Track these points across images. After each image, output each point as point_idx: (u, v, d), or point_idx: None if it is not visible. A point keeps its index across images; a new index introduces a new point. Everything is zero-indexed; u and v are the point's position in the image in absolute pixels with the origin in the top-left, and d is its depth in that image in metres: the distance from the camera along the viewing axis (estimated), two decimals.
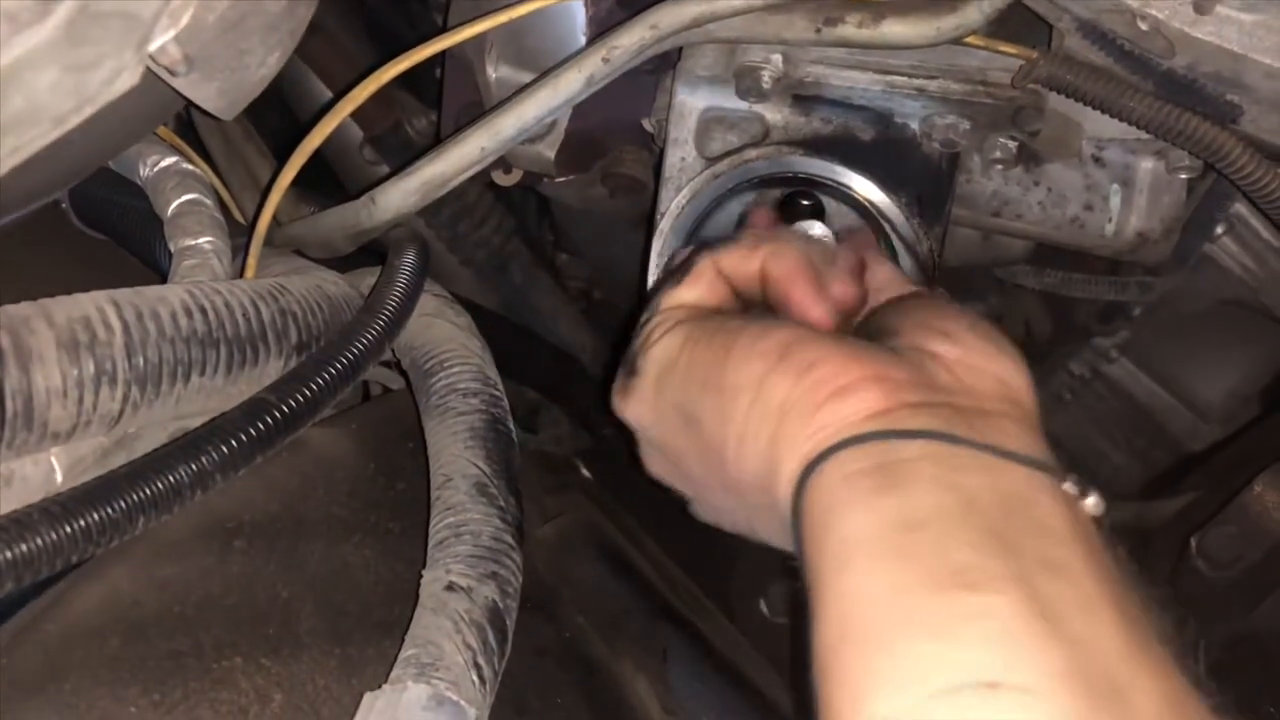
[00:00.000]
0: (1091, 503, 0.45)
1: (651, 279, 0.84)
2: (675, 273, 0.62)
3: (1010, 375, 0.51)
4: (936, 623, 0.40)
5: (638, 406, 0.60)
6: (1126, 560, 0.44)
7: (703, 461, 0.56)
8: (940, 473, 0.44)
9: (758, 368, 0.51)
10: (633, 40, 0.75)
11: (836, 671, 0.41)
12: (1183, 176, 0.84)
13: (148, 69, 0.55)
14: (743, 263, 0.60)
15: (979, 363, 0.50)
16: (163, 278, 0.83)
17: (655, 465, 0.64)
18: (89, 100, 0.51)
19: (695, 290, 0.60)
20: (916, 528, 0.42)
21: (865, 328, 0.58)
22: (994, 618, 0.39)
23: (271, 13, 0.63)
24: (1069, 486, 0.45)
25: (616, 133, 0.94)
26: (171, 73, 0.57)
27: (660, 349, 0.58)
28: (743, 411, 0.51)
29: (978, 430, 0.46)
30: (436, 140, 1.03)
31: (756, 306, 0.61)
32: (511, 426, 0.77)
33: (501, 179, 0.95)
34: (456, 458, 0.72)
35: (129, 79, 0.52)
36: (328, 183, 1.14)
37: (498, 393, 0.78)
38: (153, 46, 0.53)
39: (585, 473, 1.12)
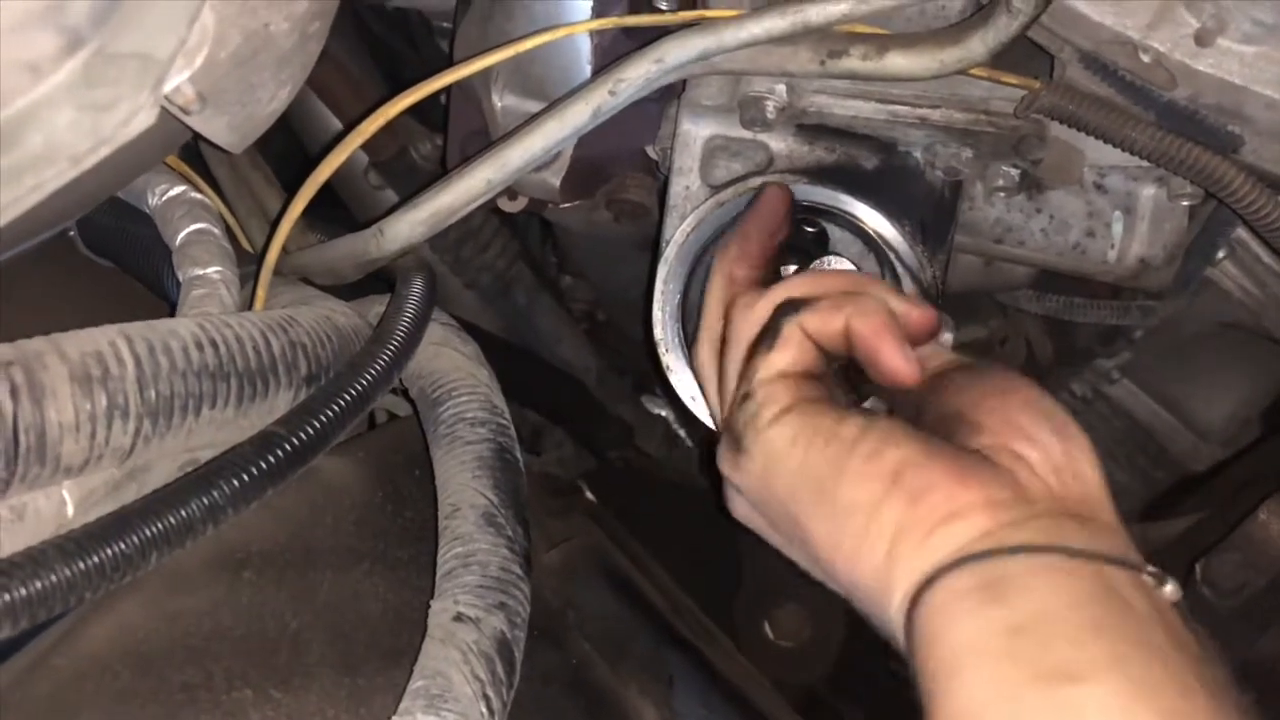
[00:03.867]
0: (1169, 590, 0.49)
1: (657, 308, 0.85)
2: (764, 338, 0.64)
3: (1086, 473, 0.55)
4: (1041, 715, 0.45)
5: (744, 480, 0.62)
6: (1206, 639, 0.49)
7: (809, 559, 0.59)
8: (1039, 580, 0.49)
9: (873, 491, 0.54)
10: (639, 73, 0.75)
11: None
12: (1184, 203, 0.85)
13: (162, 108, 0.56)
14: (827, 323, 0.62)
15: (1061, 464, 0.54)
16: (170, 306, 0.83)
17: (749, 519, 0.66)
18: (106, 140, 0.52)
19: (787, 357, 0.62)
20: (1021, 632, 0.47)
21: (945, 404, 0.59)
22: (1092, 704, 0.44)
23: (283, 49, 0.64)
24: (1147, 577, 0.50)
25: (621, 160, 0.94)
26: (185, 111, 0.57)
27: (770, 438, 0.60)
28: (856, 532, 0.54)
29: (1068, 535, 0.51)
30: (442, 166, 1.04)
31: (843, 363, 0.64)
32: (519, 456, 0.77)
33: (507, 205, 0.95)
34: (464, 487, 0.73)
35: (145, 119, 0.53)
36: (332, 204, 1.15)
37: (505, 421, 0.78)
38: (168, 87, 0.54)
39: (589, 495, 1.12)
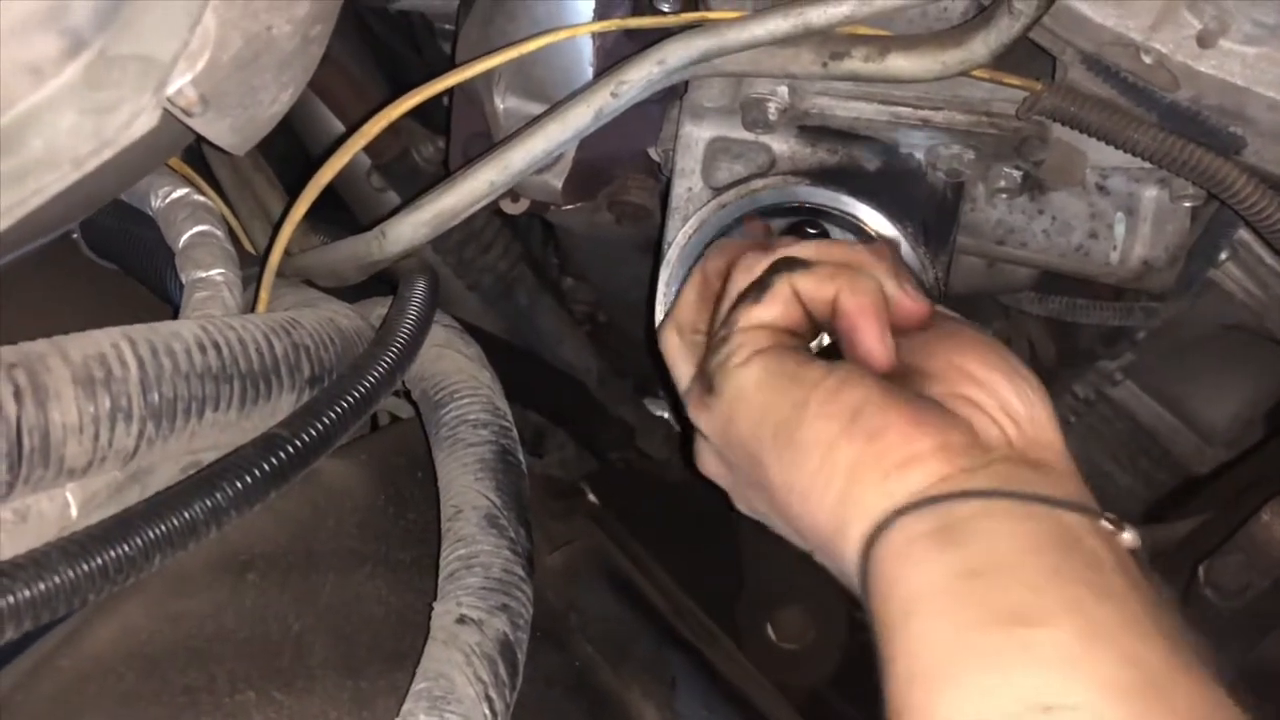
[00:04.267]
0: (1128, 537, 0.50)
1: (660, 310, 0.85)
2: (753, 289, 0.64)
3: (1041, 418, 0.55)
4: (996, 656, 0.45)
5: (711, 423, 0.62)
6: (1163, 587, 0.47)
7: (767, 500, 0.60)
8: (995, 525, 0.49)
9: (829, 428, 0.54)
10: (641, 75, 0.75)
11: (907, 711, 0.46)
12: (1186, 205, 0.85)
13: (165, 110, 0.56)
14: (819, 288, 0.62)
15: (1015, 409, 0.55)
16: (174, 308, 0.83)
17: (714, 471, 0.66)
18: (108, 143, 0.52)
19: (771, 311, 0.62)
20: (976, 575, 0.47)
21: (899, 359, 0.60)
22: (1048, 646, 0.44)
23: (285, 51, 0.64)
24: (1105, 523, 0.50)
25: (622, 161, 0.94)
26: (187, 114, 0.57)
27: (738, 377, 0.60)
28: (811, 470, 0.54)
29: (1024, 481, 0.51)
30: (444, 167, 1.04)
31: (826, 329, 0.64)
32: (521, 458, 0.77)
33: (509, 207, 0.95)
34: (467, 489, 0.73)
35: (147, 121, 0.53)
36: (334, 206, 1.15)
37: (507, 424, 0.78)
38: (170, 89, 0.54)
39: (592, 498, 1.13)
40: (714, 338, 0.64)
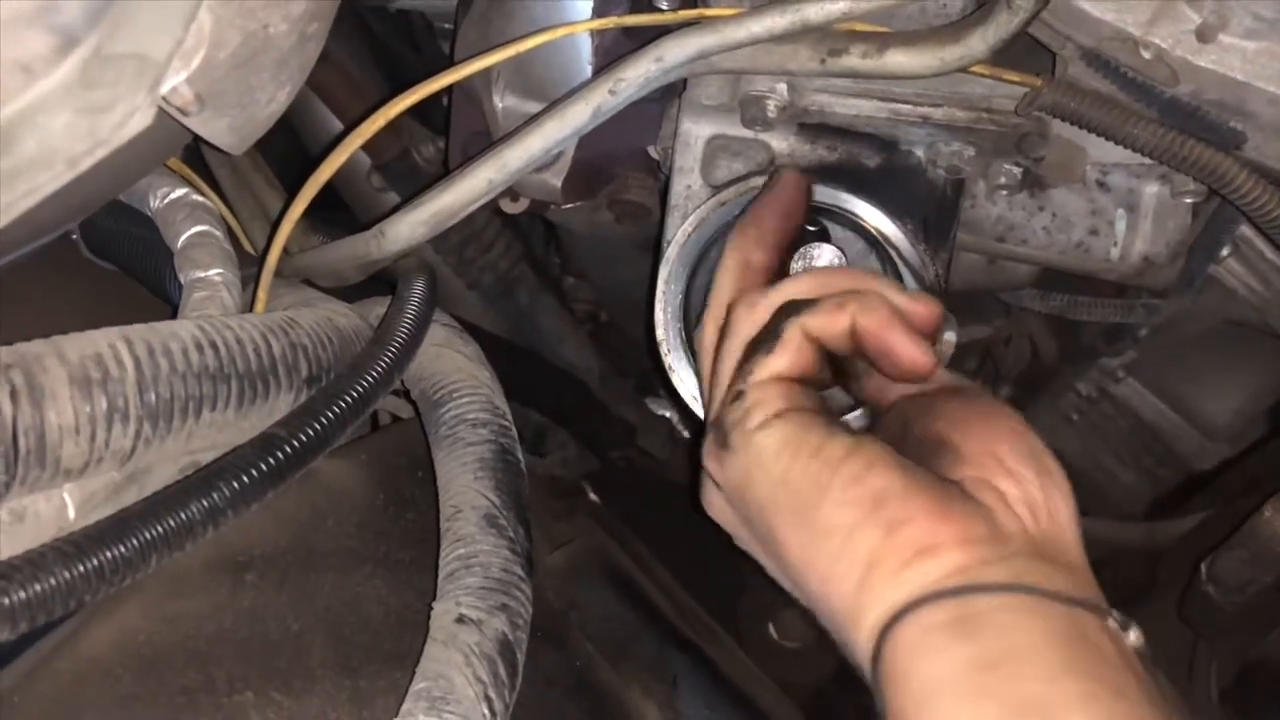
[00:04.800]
0: (1134, 636, 0.51)
1: (659, 308, 0.84)
2: (763, 338, 0.63)
3: (1060, 511, 0.56)
4: None
5: (725, 477, 0.62)
6: (1170, 686, 0.50)
7: (780, 572, 0.60)
8: (1010, 619, 0.49)
9: (852, 516, 0.54)
10: (639, 72, 0.75)
11: None
12: (1187, 201, 0.84)
13: (160, 109, 0.56)
14: (831, 323, 0.62)
15: (1036, 501, 0.55)
16: (172, 308, 0.83)
17: (721, 517, 0.66)
18: (102, 142, 0.52)
19: (784, 360, 0.62)
20: (992, 667, 0.48)
21: (929, 427, 0.60)
22: None
23: (282, 49, 0.64)
24: (1112, 623, 0.51)
25: (622, 160, 0.94)
26: (183, 112, 0.57)
27: (756, 442, 0.60)
28: (830, 554, 0.54)
29: (1040, 576, 0.52)
30: (444, 168, 1.04)
31: (846, 372, 0.65)
32: (520, 457, 0.77)
33: (509, 206, 0.95)
34: (466, 489, 0.73)
35: (142, 120, 0.53)
36: (334, 206, 1.15)
37: (506, 423, 0.78)
38: (165, 88, 0.54)
39: (593, 497, 1.12)
40: (728, 388, 0.64)
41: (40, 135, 0.51)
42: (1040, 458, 0.57)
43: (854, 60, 0.74)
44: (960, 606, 0.50)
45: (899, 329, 0.61)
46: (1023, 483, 0.55)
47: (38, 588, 0.51)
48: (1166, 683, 0.49)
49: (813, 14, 0.72)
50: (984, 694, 0.47)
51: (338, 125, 1.13)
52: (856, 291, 0.63)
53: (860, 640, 0.52)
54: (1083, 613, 0.50)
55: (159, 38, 0.52)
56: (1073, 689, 0.46)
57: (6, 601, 0.49)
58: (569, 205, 0.95)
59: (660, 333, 0.85)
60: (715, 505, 0.66)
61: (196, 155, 1.08)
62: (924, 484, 0.55)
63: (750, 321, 0.65)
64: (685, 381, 0.84)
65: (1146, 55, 0.71)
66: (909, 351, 0.60)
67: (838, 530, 0.54)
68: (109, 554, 0.54)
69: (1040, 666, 0.47)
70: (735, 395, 0.62)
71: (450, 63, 0.85)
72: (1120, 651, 0.49)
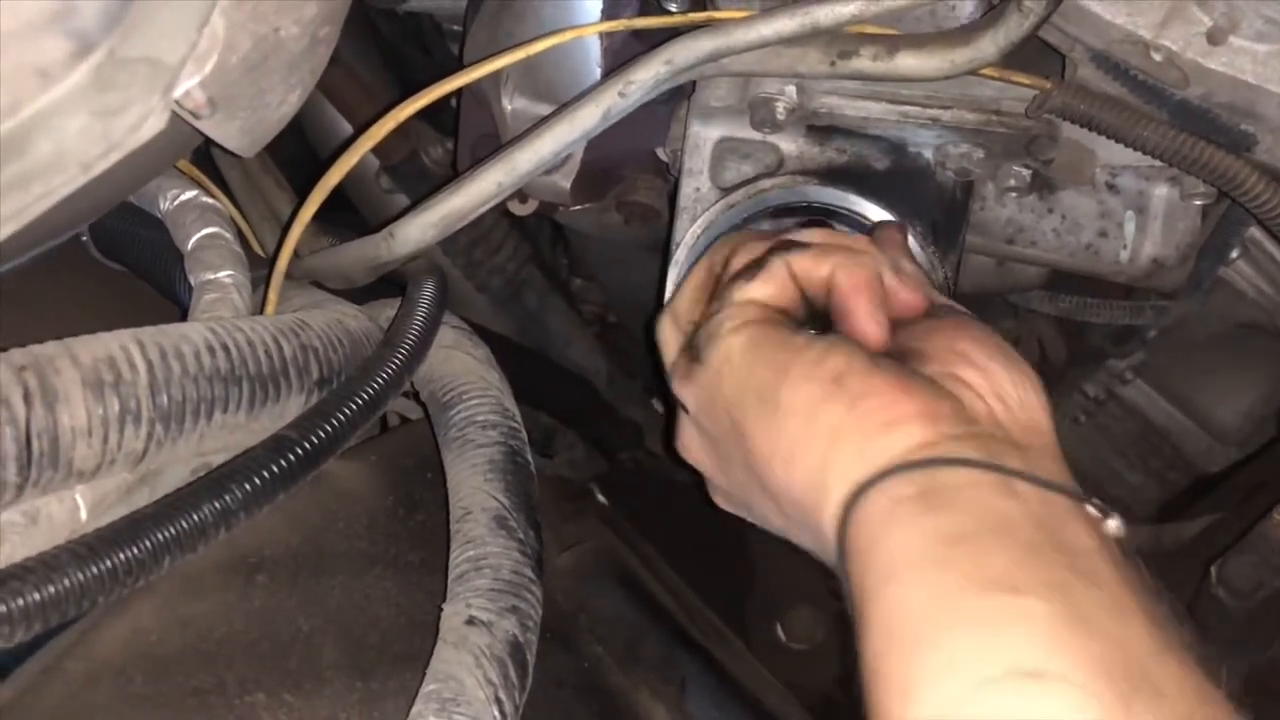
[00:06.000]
0: (1113, 525, 0.48)
1: None
2: (749, 268, 0.64)
3: (1033, 403, 0.54)
4: (979, 621, 0.43)
5: (695, 393, 0.62)
6: (1149, 576, 0.47)
7: (745, 468, 0.58)
8: (979, 495, 0.47)
9: (812, 392, 0.54)
10: (648, 75, 0.75)
11: (884, 674, 0.44)
12: (1197, 203, 0.84)
13: (173, 112, 0.56)
14: (814, 268, 0.62)
15: (1007, 392, 0.54)
16: (182, 309, 0.83)
17: (693, 450, 0.66)
18: (116, 146, 0.52)
19: (767, 289, 0.62)
20: (958, 542, 0.45)
21: (896, 342, 0.60)
22: (1033, 617, 0.42)
23: (293, 52, 0.64)
24: (1091, 510, 0.48)
25: (631, 162, 0.94)
26: (196, 116, 0.57)
27: (725, 345, 0.60)
28: (793, 433, 0.53)
29: (1010, 458, 0.49)
30: (453, 169, 1.04)
31: (821, 314, 0.64)
32: (530, 458, 0.77)
33: (517, 208, 0.95)
34: (476, 490, 0.73)
35: (156, 124, 0.53)
36: (342, 208, 1.15)
37: (516, 424, 0.78)
38: (178, 91, 0.54)
39: (601, 499, 1.12)
40: (707, 316, 0.64)
41: (55, 138, 0.51)
42: (1008, 354, 0.56)
43: (864, 63, 0.74)
44: (927, 479, 0.48)
45: (866, 296, 0.60)
46: (991, 375, 0.54)
47: (52, 589, 0.51)
48: (1148, 574, 0.46)
49: (823, 17, 0.72)
50: (950, 567, 0.45)
51: (346, 127, 1.14)
52: (851, 249, 0.63)
53: (824, 519, 0.51)
54: (1057, 497, 0.48)
55: (172, 41, 0.53)
56: (1041, 570, 0.44)
57: (21, 602, 0.49)
58: (577, 207, 0.95)
59: None
60: (687, 439, 0.65)
61: (205, 157, 1.08)
62: (887, 365, 0.54)
63: (744, 258, 0.65)
64: None
65: (1157, 58, 0.71)
66: (863, 321, 0.59)
67: (800, 408, 0.53)
68: (122, 555, 0.54)
69: (1010, 545, 0.45)
70: (712, 314, 0.62)
71: (459, 65, 0.86)
72: (1097, 538, 0.47)
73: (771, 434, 0.55)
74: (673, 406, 0.67)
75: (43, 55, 0.47)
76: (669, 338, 0.69)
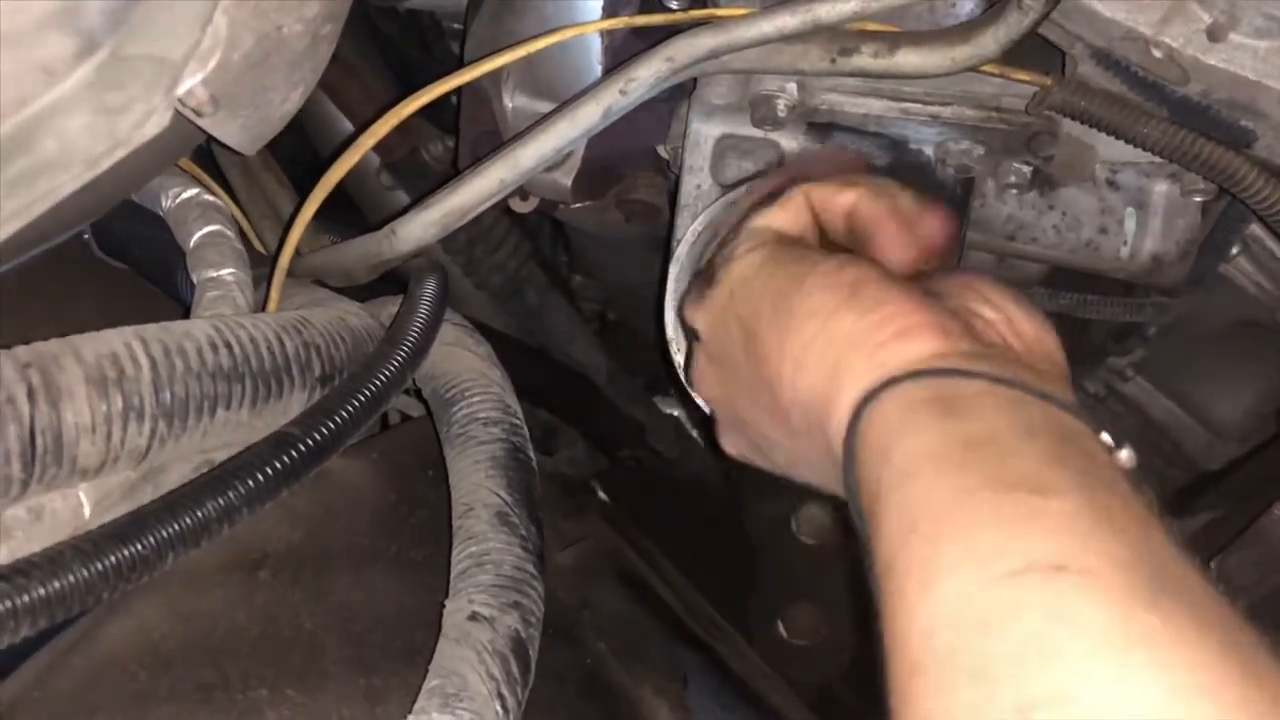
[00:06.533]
0: (1125, 455, 0.48)
1: (669, 307, 0.85)
2: (767, 197, 0.64)
3: (1047, 338, 0.55)
4: (1004, 516, 0.41)
5: (707, 315, 0.63)
6: (1160, 505, 0.45)
7: (755, 380, 0.58)
8: (996, 404, 0.46)
9: (828, 299, 0.53)
10: (649, 72, 0.75)
11: (903, 563, 0.42)
12: (1197, 199, 0.84)
13: (176, 110, 0.56)
14: (834, 197, 0.63)
15: (1022, 327, 0.54)
16: (184, 307, 0.83)
17: (705, 380, 0.66)
18: (120, 143, 0.52)
19: (783, 216, 0.63)
20: (979, 445, 0.44)
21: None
22: (1058, 515, 0.41)
23: (296, 50, 0.64)
24: (1105, 436, 0.48)
25: (631, 159, 0.94)
26: (198, 114, 0.58)
27: (740, 264, 0.60)
28: (807, 338, 0.53)
29: (1025, 377, 0.48)
30: (453, 166, 1.04)
31: (836, 247, 0.64)
32: (532, 455, 0.77)
33: (518, 206, 0.95)
34: (478, 487, 0.73)
35: (159, 121, 0.53)
36: (343, 204, 1.15)
37: (518, 421, 0.78)
38: (181, 89, 0.54)
39: (602, 496, 1.12)
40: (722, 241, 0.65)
41: (59, 136, 0.51)
42: (1019, 295, 0.56)
43: (865, 60, 0.74)
44: (943, 387, 0.47)
45: (896, 224, 0.60)
46: (1005, 310, 0.54)
47: (57, 584, 0.51)
48: (1158, 502, 0.45)
49: (824, 14, 0.73)
50: (971, 468, 0.43)
51: (346, 124, 1.14)
52: (875, 182, 0.63)
53: (833, 423, 0.50)
54: (1072, 418, 0.47)
55: (176, 39, 0.53)
56: (1065, 475, 0.43)
57: (26, 598, 0.50)
58: (578, 205, 0.95)
59: (670, 331, 0.85)
60: (697, 369, 0.65)
61: (205, 154, 1.08)
62: (904, 282, 0.54)
63: (763, 189, 0.66)
64: None
65: (1157, 54, 0.72)
66: (892, 247, 0.60)
67: (815, 313, 0.53)
68: (126, 552, 0.54)
69: (1031, 451, 0.44)
70: (726, 242, 0.63)
71: (460, 63, 0.86)
72: (1111, 462, 0.46)
73: (784, 338, 0.54)
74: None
75: (48, 53, 0.47)
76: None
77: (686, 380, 0.69)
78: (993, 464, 0.43)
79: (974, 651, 0.39)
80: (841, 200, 0.62)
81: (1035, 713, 0.37)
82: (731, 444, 0.67)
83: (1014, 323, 0.54)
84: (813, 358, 0.53)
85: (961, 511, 0.42)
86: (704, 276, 0.64)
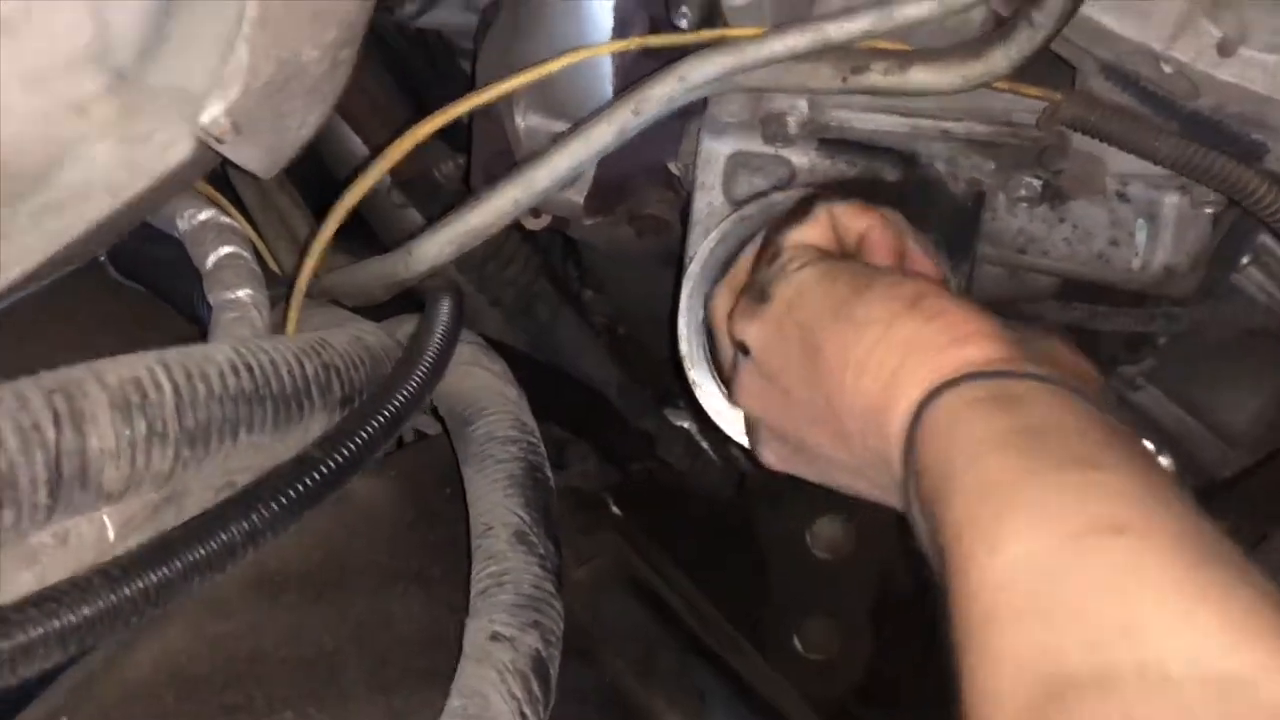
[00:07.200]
0: (1165, 461, 0.54)
1: (682, 322, 0.85)
2: (794, 214, 0.69)
3: (1084, 363, 0.61)
4: (1067, 485, 0.45)
5: (762, 329, 0.65)
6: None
7: (811, 388, 0.61)
8: (1052, 401, 0.51)
9: (890, 307, 0.58)
10: (662, 92, 0.76)
11: (971, 532, 0.46)
12: (1208, 211, 0.85)
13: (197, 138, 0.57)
14: (855, 218, 0.68)
15: (1063, 355, 0.61)
16: (201, 328, 0.84)
17: (752, 393, 0.68)
18: (144, 172, 0.52)
19: (814, 231, 0.68)
20: (1039, 432, 0.48)
21: None
22: (1116, 485, 0.45)
23: (314, 76, 0.65)
24: (1148, 444, 0.53)
25: (642, 176, 0.95)
26: (220, 141, 0.58)
27: (799, 277, 0.64)
28: (869, 343, 0.57)
29: (1075, 385, 0.52)
30: (464, 185, 1.05)
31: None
32: (549, 473, 0.78)
33: (530, 223, 0.96)
34: (496, 505, 0.73)
35: (182, 150, 0.54)
36: (352, 221, 1.15)
37: (535, 439, 0.79)
38: (205, 118, 0.55)
39: (615, 510, 1.13)
40: (762, 253, 0.68)
41: (84, 167, 0.52)
42: (1064, 335, 0.63)
43: (876, 77, 0.75)
44: (1000, 387, 0.51)
45: (895, 259, 0.67)
46: (1047, 339, 0.61)
47: (86, 611, 0.51)
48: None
49: (834, 32, 0.73)
50: (1033, 450, 0.47)
51: (359, 145, 1.14)
52: (885, 216, 0.69)
53: (894, 420, 0.54)
54: (1116, 420, 0.51)
55: (198, 69, 0.53)
56: (1119, 457, 0.47)
57: (57, 625, 0.50)
58: (590, 221, 0.96)
59: (684, 347, 0.85)
60: (744, 382, 0.68)
61: (219, 175, 1.09)
62: (958, 296, 0.59)
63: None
64: (708, 395, 0.85)
65: (1167, 69, 0.72)
66: (922, 258, 0.67)
67: (878, 320, 0.57)
68: (154, 576, 0.54)
69: (1084, 439, 0.48)
70: (771, 257, 0.66)
71: (470, 80, 0.86)
72: (1153, 456, 0.51)
73: (846, 344, 0.58)
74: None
75: (81, 90, 0.47)
76: (722, 301, 0.74)
77: (727, 392, 0.71)
78: (1052, 448, 0.47)
79: (1045, 598, 0.42)
80: (860, 221, 0.67)
81: (1105, 648, 0.40)
82: (773, 453, 0.69)
83: (1053, 349, 0.60)
84: (874, 362, 0.56)
85: (1027, 486, 0.46)
86: (751, 290, 0.66)
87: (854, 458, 0.59)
